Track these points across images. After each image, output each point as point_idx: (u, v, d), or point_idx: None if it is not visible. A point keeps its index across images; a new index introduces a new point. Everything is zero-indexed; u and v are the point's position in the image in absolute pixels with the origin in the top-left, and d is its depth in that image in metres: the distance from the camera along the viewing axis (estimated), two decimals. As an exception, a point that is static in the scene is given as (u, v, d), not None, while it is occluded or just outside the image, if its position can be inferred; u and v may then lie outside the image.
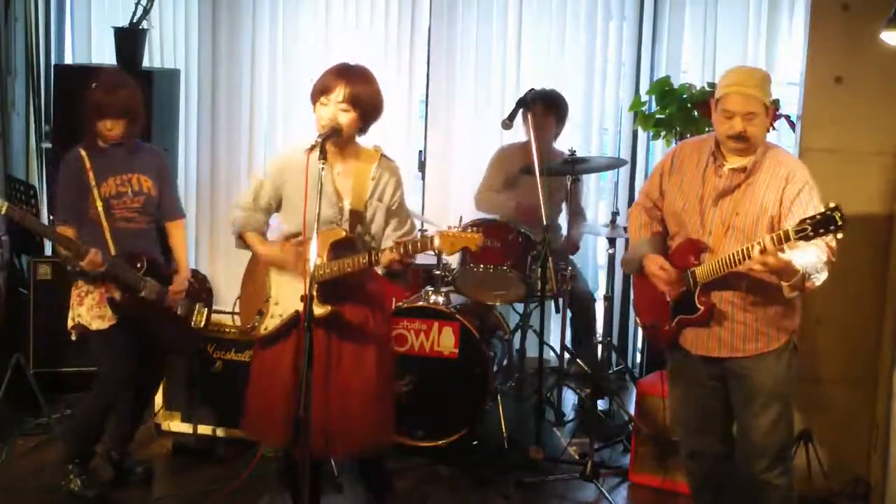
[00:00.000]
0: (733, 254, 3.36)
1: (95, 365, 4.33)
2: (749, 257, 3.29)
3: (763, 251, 3.23)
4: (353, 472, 4.33)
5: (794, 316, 3.60)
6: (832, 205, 3.12)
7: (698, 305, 3.51)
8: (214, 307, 5.11)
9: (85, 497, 4.27)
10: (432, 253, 4.90)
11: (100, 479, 4.43)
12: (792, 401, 3.65)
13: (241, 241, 3.81)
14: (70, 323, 4.25)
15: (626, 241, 5.89)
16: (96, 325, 4.19)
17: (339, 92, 3.54)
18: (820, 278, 3.38)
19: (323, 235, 3.49)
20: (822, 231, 3.13)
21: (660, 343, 3.72)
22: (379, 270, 3.65)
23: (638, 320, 3.82)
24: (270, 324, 3.70)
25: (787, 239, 3.19)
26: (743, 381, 3.57)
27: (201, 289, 4.50)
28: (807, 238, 3.16)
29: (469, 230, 3.48)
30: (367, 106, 3.58)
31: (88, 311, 4.20)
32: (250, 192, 3.76)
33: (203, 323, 4.49)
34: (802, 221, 3.16)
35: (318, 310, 3.49)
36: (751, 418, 3.58)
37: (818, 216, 3.14)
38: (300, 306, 3.44)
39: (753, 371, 3.54)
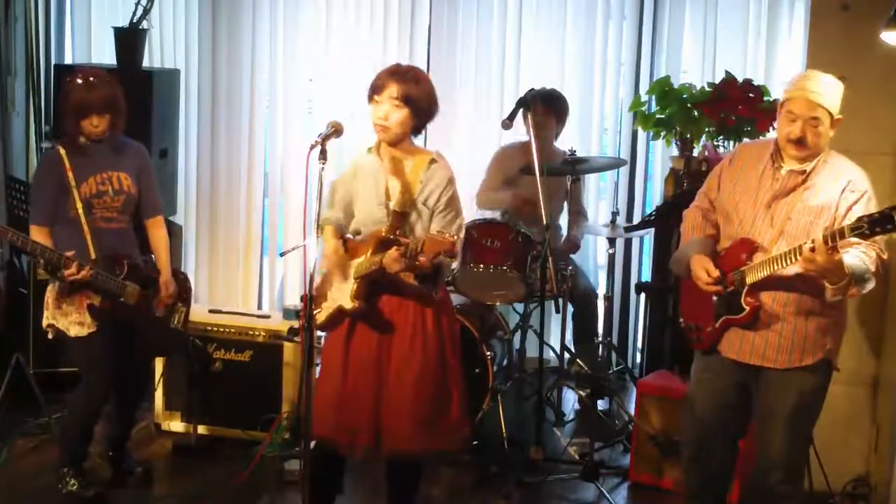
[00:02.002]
0: (784, 253, 3.32)
1: (76, 367, 4.29)
2: (799, 256, 3.25)
3: (813, 249, 3.19)
4: (355, 474, 4.33)
5: (835, 335, 3.54)
6: (890, 205, 3.09)
7: (744, 305, 3.46)
8: (213, 307, 5.13)
9: (84, 497, 4.26)
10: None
11: (98, 479, 4.42)
12: (814, 418, 3.62)
13: (320, 234, 3.82)
14: (45, 322, 4.18)
15: (626, 240, 5.96)
16: (75, 331, 4.12)
17: (392, 89, 3.60)
18: (866, 287, 3.35)
19: (370, 235, 3.64)
20: (878, 230, 3.10)
21: (701, 346, 3.66)
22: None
23: (681, 322, 3.78)
24: (321, 316, 3.75)
25: (843, 236, 3.15)
26: (768, 393, 3.52)
27: (182, 288, 4.45)
28: (862, 236, 3.14)
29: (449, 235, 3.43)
30: (419, 105, 3.63)
31: (66, 316, 4.13)
32: (330, 193, 3.84)
33: (181, 323, 4.45)
34: (860, 219, 3.14)
35: (349, 304, 3.63)
36: (771, 432, 3.53)
37: (876, 214, 3.11)
38: (345, 302, 3.64)
39: (781, 384, 3.49)
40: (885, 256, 3.37)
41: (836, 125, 3.44)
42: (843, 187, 3.40)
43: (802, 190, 3.43)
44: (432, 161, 3.70)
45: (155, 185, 4.42)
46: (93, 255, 4.10)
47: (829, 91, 3.40)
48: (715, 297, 3.55)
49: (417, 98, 3.62)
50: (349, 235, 3.82)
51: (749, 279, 3.44)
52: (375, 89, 3.64)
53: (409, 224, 3.65)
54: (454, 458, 4.56)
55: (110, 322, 4.15)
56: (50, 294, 4.17)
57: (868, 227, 3.11)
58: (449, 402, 3.76)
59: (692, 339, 3.71)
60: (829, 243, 3.18)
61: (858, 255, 3.31)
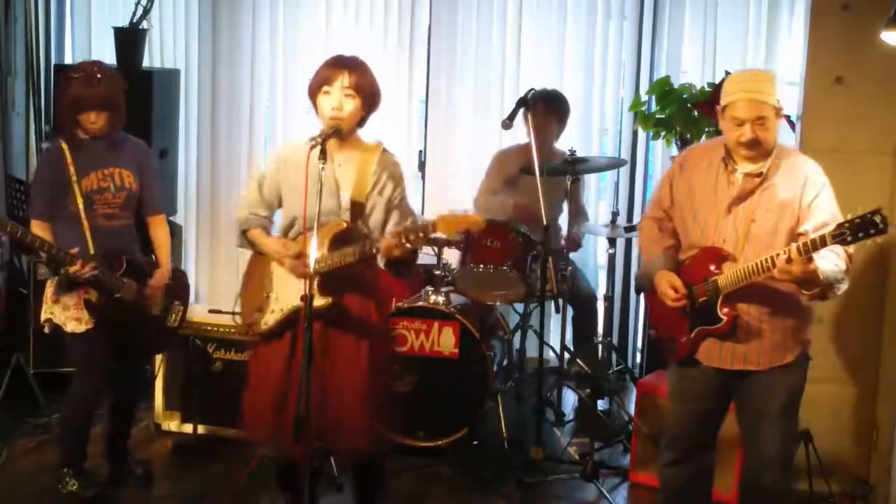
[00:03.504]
0: (759, 262, 3.28)
1: (72, 366, 4.29)
2: (774, 266, 3.23)
3: (788, 260, 3.18)
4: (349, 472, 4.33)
5: (809, 328, 3.55)
6: (873, 208, 3.06)
7: (721, 316, 3.43)
8: (214, 307, 5.12)
9: (84, 497, 4.26)
10: (431, 249, 4.89)
11: (99, 478, 4.42)
12: (798, 411, 3.61)
13: (245, 239, 3.77)
14: (43, 316, 4.17)
15: (626, 240, 5.96)
16: (72, 327, 4.12)
17: (343, 78, 3.54)
18: (840, 288, 3.33)
19: (324, 227, 3.51)
20: (861, 235, 3.06)
21: (676, 357, 3.62)
22: (380, 262, 3.63)
23: (652, 334, 3.75)
24: (270, 319, 3.67)
25: (824, 244, 3.12)
26: (755, 394, 3.51)
27: (178, 286, 4.42)
28: (845, 242, 3.10)
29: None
30: (369, 94, 3.59)
31: (64, 311, 4.12)
32: (253, 187, 3.73)
33: (178, 322, 4.43)
34: (841, 225, 3.09)
35: (319, 301, 3.50)
36: (763, 432, 3.52)
37: (857, 219, 3.07)
38: (299, 301, 3.46)
39: (767, 384, 3.48)
40: (851, 251, 3.32)
41: (781, 114, 3.42)
42: (802, 182, 3.38)
43: (762, 191, 3.40)
44: (384, 151, 3.67)
45: (155, 181, 4.39)
46: (92, 251, 4.08)
47: (767, 86, 3.37)
48: (687, 309, 3.53)
49: (366, 88, 3.57)
50: (276, 233, 3.73)
51: (723, 289, 3.41)
52: (325, 80, 3.56)
53: (364, 214, 3.61)
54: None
55: (107, 319, 4.14)
56: (49, 288, 4.17)
57: (850, 234, 3.07)
58: (386, 395, 3.76)
59: (666, 350, 3.69)
60: (806, 253, 3.16)
61: (829, 257, 3.28)
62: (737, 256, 3.41)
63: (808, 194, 3.37)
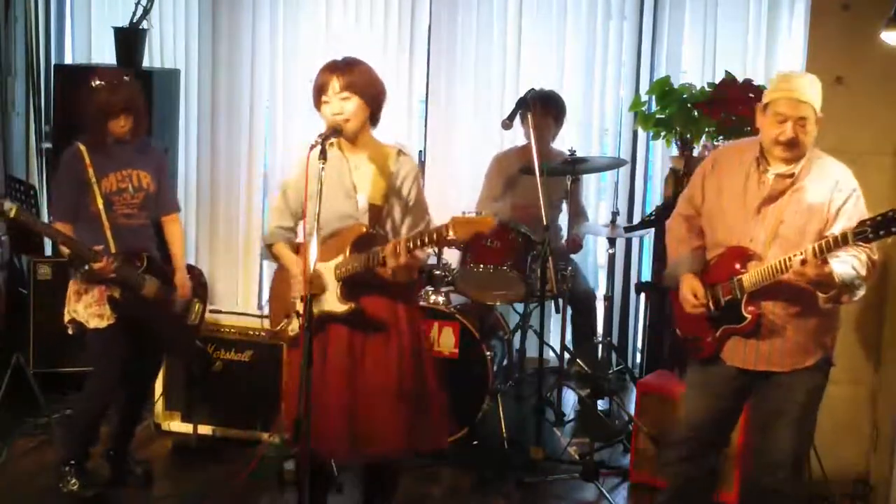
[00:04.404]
0: (779, 262, 3.29)
1: (90, 363, 4.30)
2: (790, 268, 3.24)
3: (803, 262, 3.18)
4: (354, 472, 4.34)
5: (833, 331, 3.55)
6: (893, 207, 3.06)
7: (745, 314, 3.43)
8: (213, 307, 5.12)
9: (84, 497, 4.27)
10: (432, 249, 4.88)
11: (99, 478, 4.42)
12: (816, 414, 3.61)
13: (270, 253, 3.78)
14: (66, 317, 4.22)
15: (626, 240, 5.96)
16: (94, 323, 4.16)
17: (335, 83, 3.52)
18: (857, 294, 3.33)
19: (344, 231, 3.53)
20: (882, 233, 3.07)
21: (702, 355, 3.61)
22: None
23: (678, 332, 3.74)
24: (297, 325, 3.66)
25: (846, 242, 3.13)
26: (775, 395, 3.51)
27: (197, 284, 4.46)
28: (866, 240, 3.11)
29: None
30: (368, 91, 3.56)
31: (86, 308, 4.17)
32: (279, 196, 3.75)
33: (198, 319, 4.46)
34: (862, 223, 3.10)
35: (341, 307, 3.53)
36: (779, 432, 3.52)
37: (879, 217, 3.08)
38: (332, 307, 3.53)
39: (788, 385, 3.48)
40: (875, 257, 3.35)
41: (819, 123, 3.43)
42: (832, 187, 3.38)
43: (792, 192, 3.40)
44: (400, 152, 3.66)
45: (169, 181, 4.47)
46: (113, 250, 4.13)
47: (811, 89, 3.38)
48: (712, 307, 3.52)
49: (361, 85, 3.55)
50: (299, 240, 3.72)
51: (747, 288, 3.41)
52: (320, 90, 3.55)
53: (383, 217, 3.60)
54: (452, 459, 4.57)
55: (129, 316, 4.18)
56: (72, 288, 4.21)
57: (872, 231, 3.08)
58: (428, 400, 3.70)
59: (691, 350, 3.68)
60: (823, 253, 3.16)
61: (848, 261, 3.28)
62: (763, 256, 3.41)
63: (837, 199, 3.37)
